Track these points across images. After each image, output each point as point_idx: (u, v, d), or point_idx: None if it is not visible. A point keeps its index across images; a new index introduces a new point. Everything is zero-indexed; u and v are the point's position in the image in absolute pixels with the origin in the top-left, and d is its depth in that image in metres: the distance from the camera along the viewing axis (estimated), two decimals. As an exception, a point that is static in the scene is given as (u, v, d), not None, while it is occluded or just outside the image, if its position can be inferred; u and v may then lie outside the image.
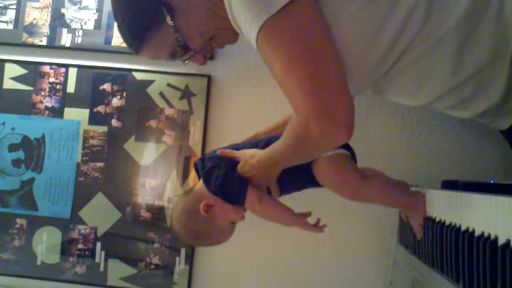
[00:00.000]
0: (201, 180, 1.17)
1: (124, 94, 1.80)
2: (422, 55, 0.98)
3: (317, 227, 1.15)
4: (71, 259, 1.80)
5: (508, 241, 0.64)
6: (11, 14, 1.87)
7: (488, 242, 0.69)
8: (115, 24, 1.18)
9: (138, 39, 1.11)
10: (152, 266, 1.76)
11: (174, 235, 1.24)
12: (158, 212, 1.76)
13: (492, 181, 0.81)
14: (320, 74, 0.90)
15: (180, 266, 1.75)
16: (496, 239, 0.67)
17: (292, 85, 0.91)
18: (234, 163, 1.13)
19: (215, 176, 1.12)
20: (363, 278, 1.66)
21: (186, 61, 1.18)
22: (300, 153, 1.03)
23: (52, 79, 1.83)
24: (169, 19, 1.07)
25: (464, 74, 0.99)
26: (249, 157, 1.11)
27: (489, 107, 1.05)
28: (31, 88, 1.84)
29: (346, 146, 1.13)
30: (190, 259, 1.75)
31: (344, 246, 1.68)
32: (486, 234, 0.71)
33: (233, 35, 1.15)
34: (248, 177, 1.11)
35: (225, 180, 1.11)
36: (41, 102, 1.83)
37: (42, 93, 1.83)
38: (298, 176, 1.14)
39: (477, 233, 0.75)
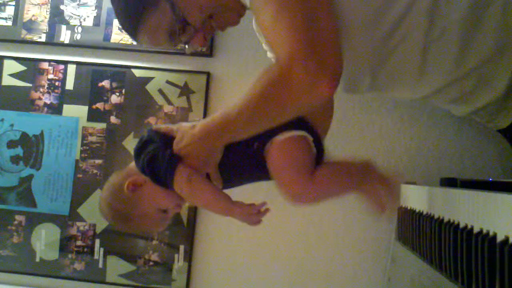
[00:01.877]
0: None
1: (123, 91, 1.80)
2: (427, 43, 0.97)
3: (258, 214, 0.96)
4: (69, 255, 1.80)
5: (506, 238, 0.64)
6: (10, 10, 1.87)
7: (486, 239, 0.69)
8: (114, 20, 1.14)
9: (135, 19, 1.05)
10: (151, 263, 1.76)
11: (100, 213, 1.09)
12: (157, 209, 1.76)
13: (490, 179, 0.81)
14: (315, 21, 0.86)
15: (179, 263, 1.75)
16: (494, 236, 0.68)
17: (282, 27, 0.86)
18: (171, 138, 0.98)
19: (145, 152, 0.97)
20: (361, 274, 1.66)
21: (187, 45, 1.10)
22: (268, 106, 0.88)
23: (51, 76, 1.83)
24: None
25: (467, 65, 0.99)
26: (188, 128, 0.96)
27: (491, 102, 1.05)
28: (30, 85, 1.84)
29: (313, 133, 1.00)
30: (189, 256, 1.75)
31: (343, 243, 1.68)
32: (484, 231, 0.71)
33: (234, 15, 1.10)
34: (182, 154, 0.95)
35: (154, 156, 0.96)
36: (39, 98, 1.83)
37: (41, 89, 1.83)
38: (246, 162, 0.99)
39: (475, 230, 0.75)
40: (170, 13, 1.02)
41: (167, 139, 0.98)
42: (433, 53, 0.98)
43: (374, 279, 1.65)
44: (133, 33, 1.08)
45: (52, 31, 1.84)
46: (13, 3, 1.87)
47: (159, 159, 0.95)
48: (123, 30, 1.12)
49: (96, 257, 1.79)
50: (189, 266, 1.75)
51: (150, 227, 1.12)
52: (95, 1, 1.83)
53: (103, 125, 1.81)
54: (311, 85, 0.83)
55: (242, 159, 0.98)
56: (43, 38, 1.85)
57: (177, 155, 0.94)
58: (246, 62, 1.75)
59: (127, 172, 1.03)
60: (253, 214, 0.96)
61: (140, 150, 0.99)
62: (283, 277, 1.72)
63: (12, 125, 1.84)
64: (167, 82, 1.78)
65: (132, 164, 1.04)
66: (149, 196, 1.00)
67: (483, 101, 1.06)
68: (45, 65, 1.84)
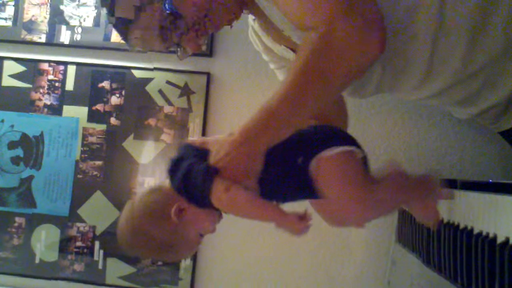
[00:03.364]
0: None
1: (123, 92, 1.79)
2: (436, 41, 0.95)
3: (303, 222, 0.85)
4: (69, 256, 1.80)
5: (507, 240, 0.63)
6: (10, 11, 1.87)
7: (486, 241, 0.68)
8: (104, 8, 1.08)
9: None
10: (159, 263, 1.75)
11: (122, 244, 0.95)
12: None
13: (490, 181, 0.81)
14: None
15: (186, 261, 1.74)
16: (494, 237, 0.67)
17: None
18: (206, 153, 0.88)
19: (180, 170, 0.88)
20: (361, 278, 1.66)
21: (179, 47, 1.05)
22: (315, 79, 0.80)
23: (51, 77, 1.83)
24: None
25: (475, 65, 0.97)
26: (225, 138, 0.87)
27: (496, 104, 1.03)
28: (30, 86, 1.84)
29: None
30: (193, 255, 1.73)
31: (343, 245, 1.67)
32: (484, 233, 0.71)
33: (229, 14, 1.05)
34: (220, 167, 0.84)
35: (189, 172, 0.86)
36: (39, 99, 1.83)
37: (41, 90, 1.83)
38: (288, 179, 0.88)
39: (475, 231, 0.74)
40: (161, 7, 0.97)
41: (202, 153, 0.88)
42: (441, 51, 0.97)
43: (374, 282, 1.64)
44: (123, 28, 1.02)
45: (52, 32, 1.84)
46: (13, 3, 1.86)
47: (194, 175, 0.85)
48: (116, 29, 1.06)
49: (96, 258, 1.79)
50: (194, 265, 1.74)
51: (187, 254, 1.03)
52: (95, 1, 1.82)
53: (103, 127, 1.80)
54: (361, 41, 0.78)
55: (284, 175, 0.87)
56: (43, 39, 1.84)
57: (214, 168, 0.84)
58: (246, 62, 1.74)
59: (165, 196, 0.91)
60: (302, 223, 0.85)
61: (174, 168, 0.89)
62: (284, 278, 1.71)
63: (12, 126, 1.84)
64: (167, 82, 1.77)
65: (166, 185, 0.93)
66: (193, 220, 0.90)
67: (488, 103, 1.04)
68: (45, 66, 1.83)
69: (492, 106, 1.05)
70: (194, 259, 1.75)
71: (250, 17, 1.19)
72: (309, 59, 0.80)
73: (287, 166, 0.87)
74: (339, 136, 0.91)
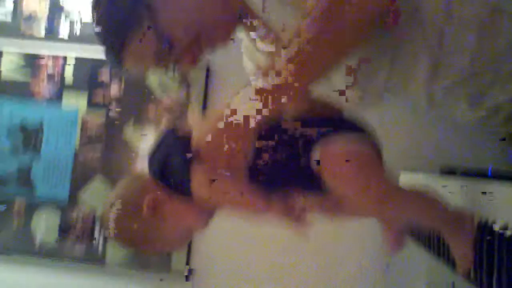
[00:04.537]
0: None
1: (122, 83, 1.80)
2: (443, 34, 0.94)
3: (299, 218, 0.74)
4: (69, 240, 1.81)
5: (505, 226, 0.64)
6: (9, 5, 1.87)
7: (487, 228, 0.69)
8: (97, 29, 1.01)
9: (119, 39, 0.96)
10: None
11: (108, 234, 0.83)
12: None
13: (490, 168, 0.81)
14: None
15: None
16: (492, 225, 0.68)
17: None
18: (188, 135, 0.75)
19: (158, 155, 0.77)
20: (361, 279, 1.66)
21: (176, 67, 1.01)
22: (335, 26, 0.76)
23: (50, 71, 1.83)
24: (147, 10, 0.93)
25: (482, 63, 0.95)
26: (215, 115, 0.77)
27: (502, 106, 1.03)
28: (30, 79, 1.84)
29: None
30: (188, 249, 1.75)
31: (342, 245, 1.68)
32: (483, 220, 0.71)
33: (223, 34, 1.03)
34: (201, 151, 0.72)
35: (166, 158, 0.75)
36: (39, 92, 1.83)
37: (40, 83, 1.83)
38: (292, 178, 0.76)
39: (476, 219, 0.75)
40: (153, 32, 0.93)
41: (184, 135, 0.76)
42: (448, 46, 0.95)
43: (374, 285, 1.64)
44: (118, 55, 0.98)
45: (51, 26, 1.84)
46: (13, -3, 1.86)
47: (172, 158, 0.75)
48: (107, 57, 1.01)
49: (95, 241, 1.80)
50: (188, 257, 1.75)
51: (173, 249, 0.96)
52: (95, -3, 1.82)
53: (102, 117, 1.81)
54: None
55: (286, 174, 0.76)
56: (42, 33, 1.84)
57: (193, 152, 0.72)
58: (246, 56, 1.74)
59: (140, 183, 0.81)
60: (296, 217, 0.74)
61: (153, 153, 0.79)
62: (282, 278, 1.72)
63: (12, 116, 1.84)
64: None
65: (139, 171, 0.88)
66: (174, 214, 0.78)
67: (495, 102, 1.03)
68: (44, 60, 1.84)
69: (500, 108, 1.04)
70: (188, 251, 1.75)
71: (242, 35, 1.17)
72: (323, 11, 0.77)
73: (290, 166, 0.76)
74: (348, 123, 0.83)
